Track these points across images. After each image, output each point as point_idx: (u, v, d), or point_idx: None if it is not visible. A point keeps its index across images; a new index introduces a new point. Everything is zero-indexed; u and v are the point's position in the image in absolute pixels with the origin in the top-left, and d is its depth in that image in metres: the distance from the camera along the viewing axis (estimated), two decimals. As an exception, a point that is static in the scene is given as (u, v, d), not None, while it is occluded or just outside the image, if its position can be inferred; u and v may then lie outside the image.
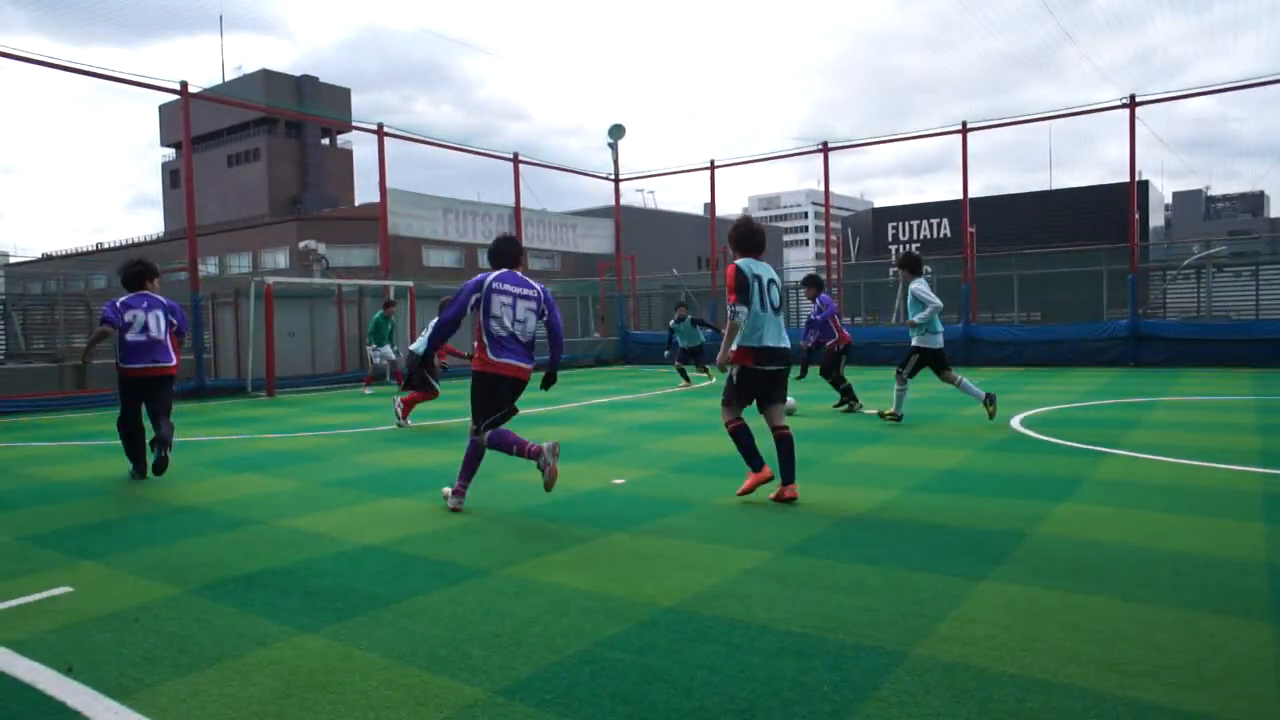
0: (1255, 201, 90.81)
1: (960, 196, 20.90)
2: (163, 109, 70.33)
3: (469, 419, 5.64)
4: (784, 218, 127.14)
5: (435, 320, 6.11)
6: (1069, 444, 7.57)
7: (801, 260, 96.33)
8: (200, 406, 13.76)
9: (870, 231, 38.58)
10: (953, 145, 20.13)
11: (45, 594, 3.94)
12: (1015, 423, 9.07)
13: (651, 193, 63.37)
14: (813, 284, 11.62)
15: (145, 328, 6.70)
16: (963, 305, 19.94)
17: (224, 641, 3.28)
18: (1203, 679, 2.73)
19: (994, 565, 4.00)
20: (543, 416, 11.18)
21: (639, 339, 24.80)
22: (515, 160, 22.26)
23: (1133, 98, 17.97)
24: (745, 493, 5.60)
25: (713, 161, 23.91)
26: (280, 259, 49.81)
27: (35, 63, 14.14)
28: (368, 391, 15.50)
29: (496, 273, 5.56)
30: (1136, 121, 17.93)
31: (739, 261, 5.56)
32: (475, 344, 5.49)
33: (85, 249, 64.83)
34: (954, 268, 23.12)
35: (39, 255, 62.10)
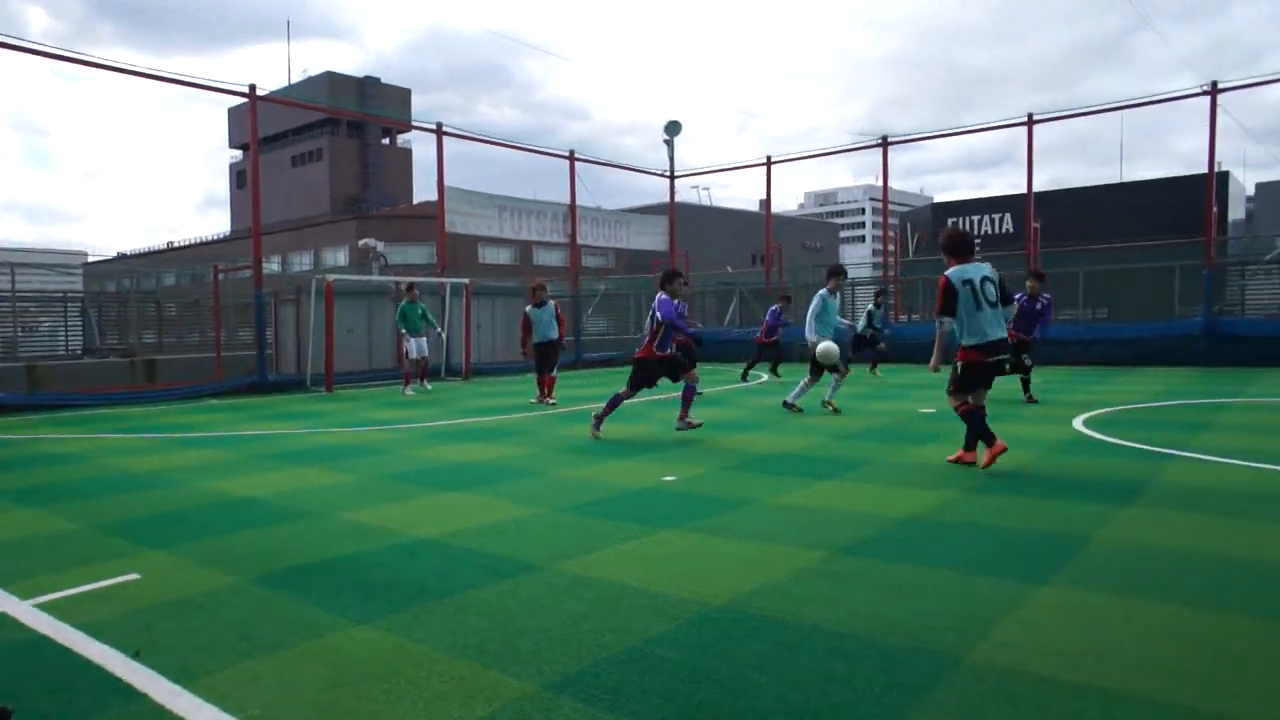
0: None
1: (1024, 190, 20.36)
2: (231, 112, 72.52)
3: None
4: (841, 214, 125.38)
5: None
6: (1134, 445, 7.31)
7: (859, 257, 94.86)
8: (261, 401, 14.15)
9: (930, 227, 37.82)
10: (1017, 138, 19.75)
11: (116, 580, 4.09)
12: (1078, 423, 8.80)
13: (707, 190, 63.10)
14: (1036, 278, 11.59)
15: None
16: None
17: (281, 630, 3.36)
18: (1273, 691, 2.61)
19: (1055, 570, 3.88)
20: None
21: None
22: (571, 158, 22.38)
23: (1214, 85, 17.26)
24: (987, 464, 6.22)
25: (769, 158, 23.72)
26: (341, 257, 50.95)
27: (115, 70, 14.69)
28: (409, 393, 14.45)
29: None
30: (1217, 110, 17.23)
31: (949, 272, 6.26)
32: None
33: (158, 248, 67.27)
34: (1017, 264, 22.54)
35: (114, 254, 64.71)
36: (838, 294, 10.62)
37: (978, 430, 6.27)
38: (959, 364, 6.26)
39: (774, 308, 16.65)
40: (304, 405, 13.27)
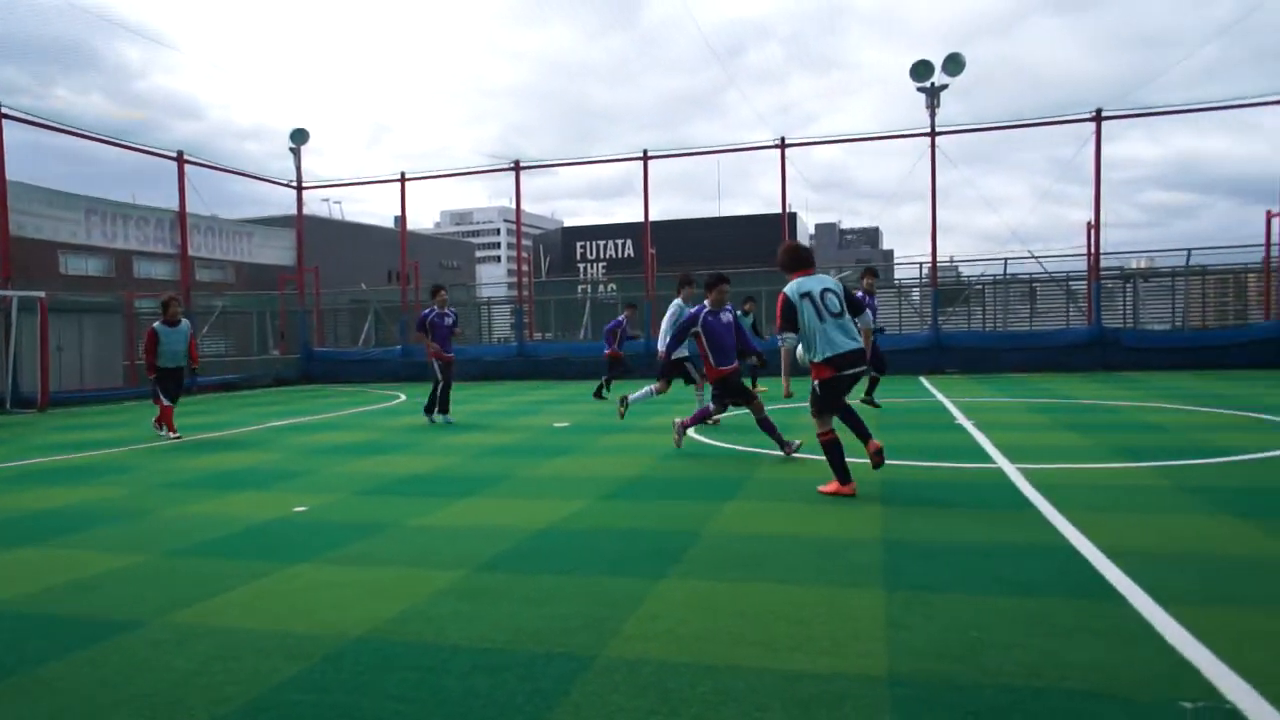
0: (873, 235, 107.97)
1: (642, 219, 22.35)
2: None
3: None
4: (476, 234, 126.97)
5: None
6: (736, 448, 8.39)
7: (494, 276, 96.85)
8: None
9: (560, 250, 39.92)
10: (635, 171, 21.59)
11: None
12: (691, 430, 9.85)
13: (338, 203, 59.96)
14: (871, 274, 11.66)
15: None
16: (644, 321, 21.28)
17: None
18: (836, 644, 3.17)
19: (673, 564, 4.32)
20: (214, 441, 10.10)
21: (324, 356, 23.37)
22: (180, 159, 19.99)
23: (782, 140, 20.46)
24: (824, 490, 5.88)
25: (403, 174, 23.29)
26: None
27: None
28: None
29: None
30: (786, 161, 20.46)
31: (787, 287, 5.90)
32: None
33: None
34: (637, 286, 24.65)
35: None
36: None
37: (834, 462, 5.87)
38: (816, 384, 5.89)
39: (620, 317, 15.09)
40: None
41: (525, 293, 23.75)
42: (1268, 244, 18.34)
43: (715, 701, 2.72)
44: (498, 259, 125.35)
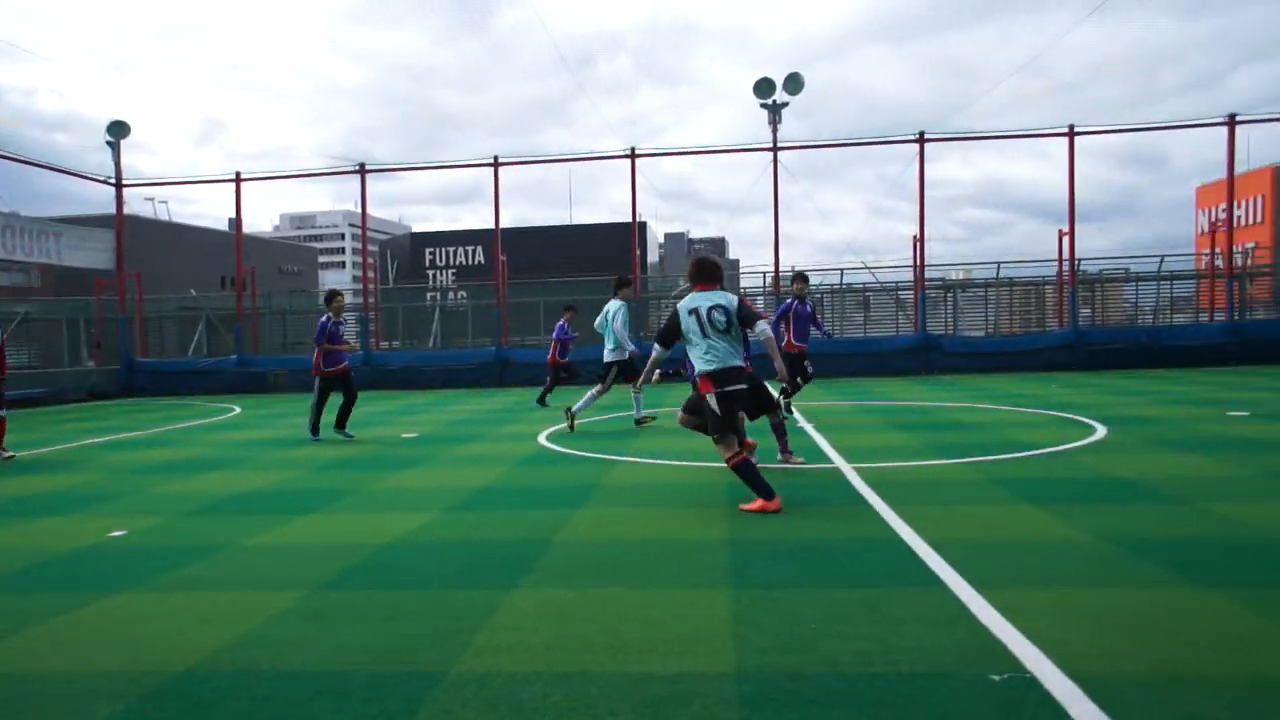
0: (720, 245, 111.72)
1: (493, 226, 22.08)
2: None
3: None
4: (319, 238, 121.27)
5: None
6: (586, 455, 8.43)
7: (339, 282, 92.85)
8: None
9: (408, 256, 38.89)
10: (485, 177, 21.29)
11: None
12: (542, 438, 9.82)
13: (164, 203, 55.34)
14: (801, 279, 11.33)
15: None
16: (495, 328, 21.04)
17: None
18: (686, 644, 3.25)
19: (524, 574, 4.29)
20: (16, 463, 9.12)
21: (148, 367, 21.65)
22: (-34, 149, 17.94)
23: (633, 150, 20.77)
24: (746, 509, 5.58)
25: (239, 174, 21.93)
26: None
27: None
28: None
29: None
30: (636, 171, 20.79)
31: (680, 302, 5.94)
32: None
33: None
34: (488, 293, 24.32)
35: None
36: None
37: (752, 483, 5.59)
38: (707, 398, 5.71)
39: (560, 322, 14.31)
40: None
41: (372, 300, 22.88)
42: (1059, 259, 20.31)
43: (567, 709, 2.73)
44: (343, 265, 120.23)
